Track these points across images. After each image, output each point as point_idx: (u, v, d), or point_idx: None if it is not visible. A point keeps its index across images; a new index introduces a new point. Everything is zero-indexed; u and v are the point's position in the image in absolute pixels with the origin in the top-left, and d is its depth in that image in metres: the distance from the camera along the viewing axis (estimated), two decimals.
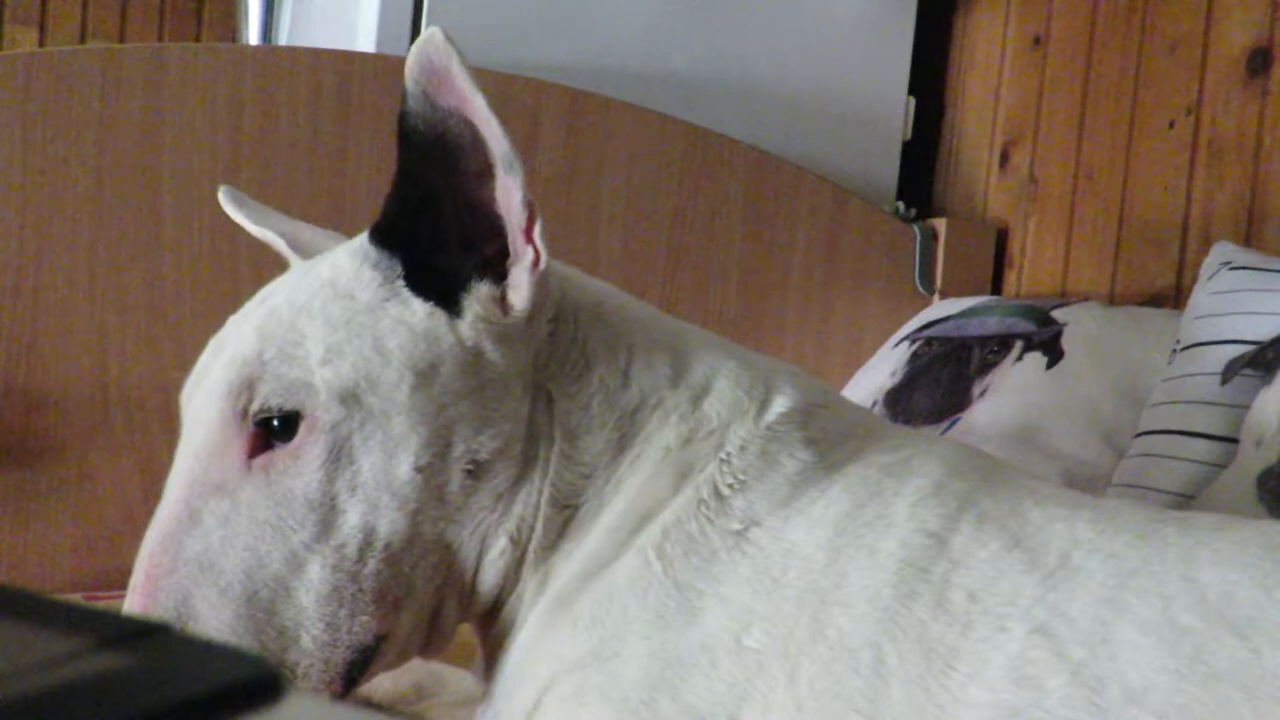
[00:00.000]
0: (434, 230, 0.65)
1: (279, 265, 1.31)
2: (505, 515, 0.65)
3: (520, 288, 0.64)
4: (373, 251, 0.66)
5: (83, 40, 2.38)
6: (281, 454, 0.62)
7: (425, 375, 0.63)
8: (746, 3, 1.63)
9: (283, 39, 2.00)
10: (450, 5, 1.46)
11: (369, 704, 0.89)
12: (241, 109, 1.29)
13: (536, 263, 0.64)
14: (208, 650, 0.25)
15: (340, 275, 0.66)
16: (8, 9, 2.34)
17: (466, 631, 1.05)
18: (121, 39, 2.40)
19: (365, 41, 1.45)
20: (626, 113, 1.47)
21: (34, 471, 1.21)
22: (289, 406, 0.62)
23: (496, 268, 0.65)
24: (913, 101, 1.77)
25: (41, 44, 2.36)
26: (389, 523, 0.62)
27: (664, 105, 1.50)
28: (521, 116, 1.41)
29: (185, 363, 1.26)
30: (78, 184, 1.23)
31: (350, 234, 1.32)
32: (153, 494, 1.24)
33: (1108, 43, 1.58)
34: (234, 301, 1.28)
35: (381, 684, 0.88)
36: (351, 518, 0.62)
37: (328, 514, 0.62)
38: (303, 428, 0.62)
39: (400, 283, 0.65)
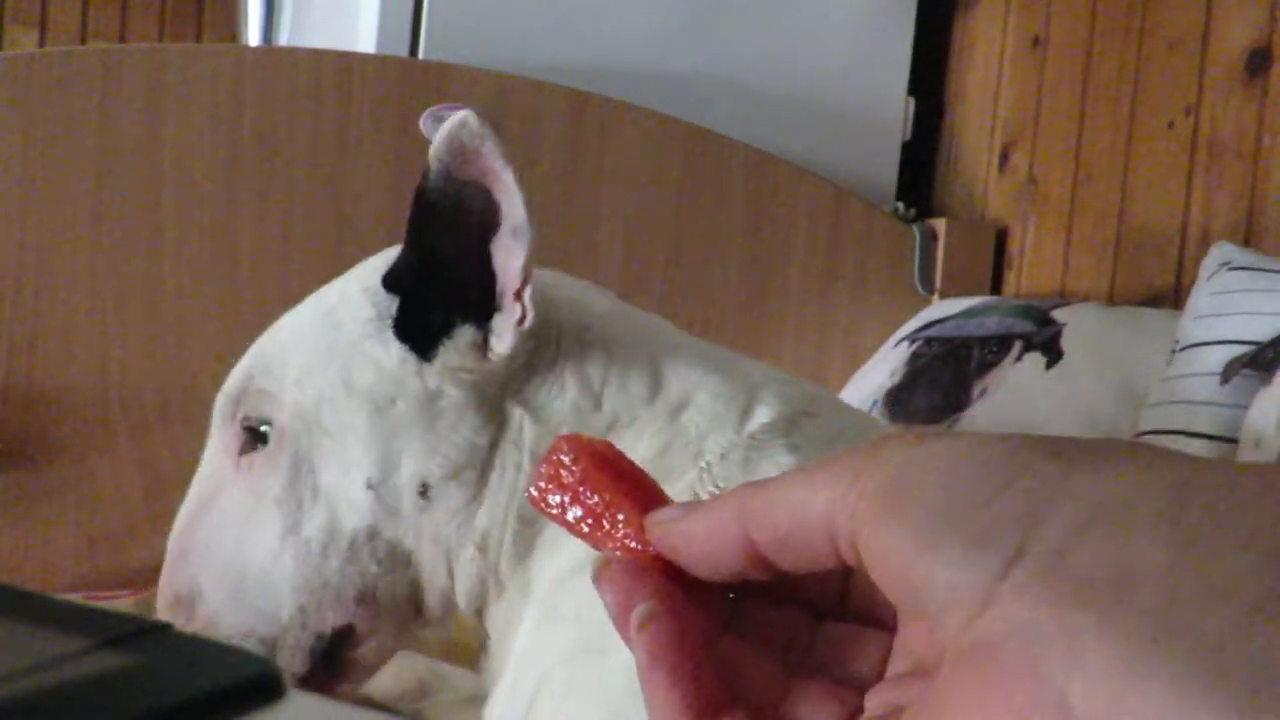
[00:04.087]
0: (431, 282, 0.70)
1: (280, 266, 1.31)
2: (467, 528, 0.68)
3: (504, 337, 0.68)
4: (379, 292, 0.71)
5: (83, 40, 2.38)
6: (261, 457, 0.70)
7: (381, 408, 0.68)
8: (746, 3, 1.63)
9: (283, 39, 2.00)
10: (450, 5, 1.46)
11: (370, 703, 0.90)
12: (241, 109, 1.29)
13: (522, 320, 0.68)
14: (208, 650, 0.26)
15: (343, 305, 0.72)
16: (8, 9, 2.34)
17: (469, 633, 1.05)
18: (121, 39, 2.40)
19: (365, 41, 1.45)
20: (626, 113, 1.47)
21: (34, 471, 1.21)
22: (263, 416, 0.70)
23: (479, 315, 0.69)
24: (912, 102, 1.77)
25: (41, 44, 2.36)
26: (350, 529, 0.68)
27: (664, 105, 1.50)
28: (521, 117, 1.41)
29: (185, 363, 1.26)
30: (78, 184, 1.23)
31: (349, 235, 1.33)
32: (153, 494, 1.25)
33: (1107, 43, 1.58)
34: (234, 301, 1.28)
35: (384, 681, 0.89)
36: (316, 519, 0.68)
37: (294, 513, 0.69)
38: (275, 436, 0.70)
39: (389, 322, 0.70)
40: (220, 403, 0.72)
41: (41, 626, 0.25)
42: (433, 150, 0.66)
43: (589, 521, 0.31)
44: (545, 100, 1.42)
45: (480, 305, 0.69)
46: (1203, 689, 0.20)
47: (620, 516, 0.31)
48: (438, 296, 0.69)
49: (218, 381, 1.29)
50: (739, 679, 0.29)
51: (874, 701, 0.28)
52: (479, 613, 0.71)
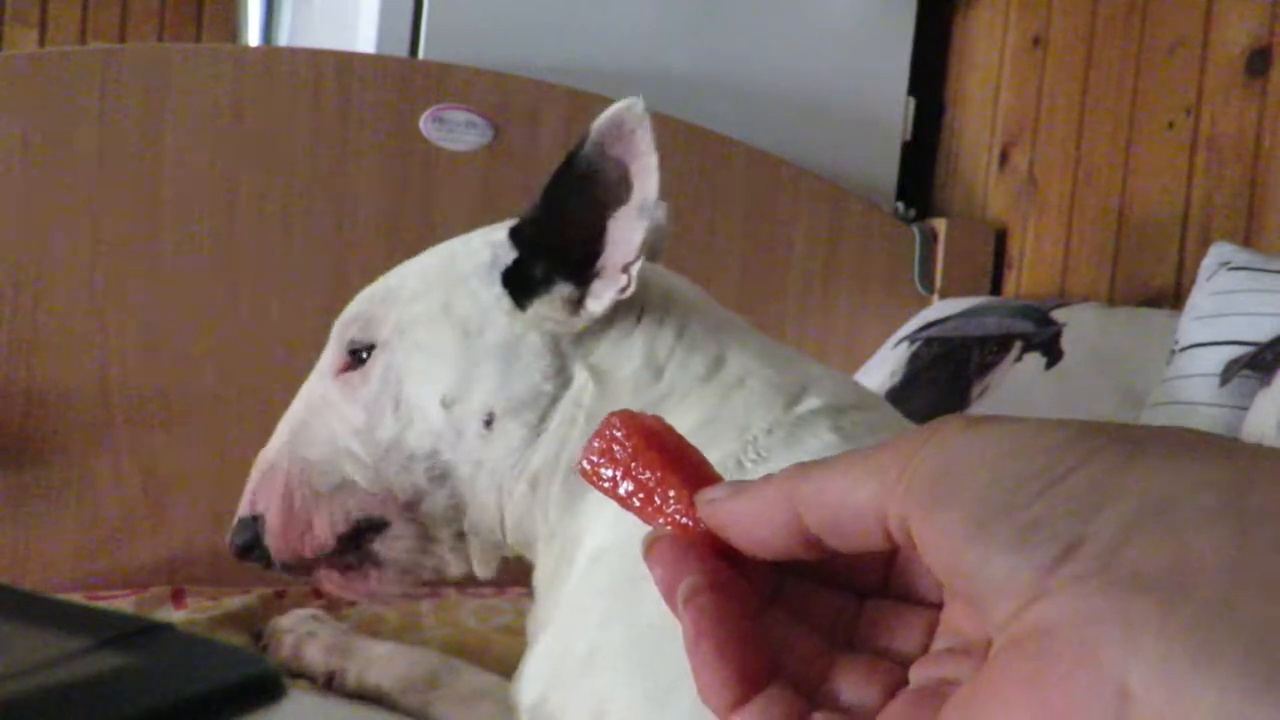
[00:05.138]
0: (548, 241, 0.77)
1: (280, 266, 1.31)
2: (521, 466, 0.75)
3: (602, 299, 0.75)
4: (502, 242, 0.79)
5: (83, 40, 2.38)
6: (357, 374, 0.79)
7: (470, 334, 0.76)
8: (746, 3, 1.63)
9: (283, 39, 2.00)
10: (450, 5, 1.46)
11: (379, 691, 0.91)
12: (241, 109, 1.29)
13: (625, 289, 0.75)
14: (208, 650, 0.26)
15: (463, 248, 0.80)
16: (8, 9, 2.34)
17: (477, 632, 1.06)
18: (121, 39, 2.39)
19: (365, 41, 1.45)
20: None
21: (34, 471, 1.21)
22: (367, 340, 0.79)
23: (579, 274, 0.76)
24: (913, 102, 1.77)
25: (41, 44, 2.36)
26: (417, 439, 0.76)
27: (664, 105, 1.50)
28: (521, 116, 1.41)
29: (185, 363, 1.26)
30: (78, 184, 1.23)
31: (349, 235, 1.33)
32: (153, 494, 1.25)
33: (1107, 43, 1.58)
34: (234, 302, 1.28)
35: (397, 667, 0.91)
36: (391, 427, 0.77)
37: (375, 417, 0.77)
38: (374, 354, 0.79)
39: (499, 270, 0.77)
40: (336, 325, 0.81)
41: (41, 626, 0.25)
42: (595, 124, 0.74)
43: (640, 496, 0.32)
44: (545, 100, 1.42)
45: (580, 268, 0.76)
46: (1265, 679, 0.20)
47: (671, 493, 0.31)
48: (548, 253, 0.76)
49: (218, 381, 1.30)
50: (783, 653, 0.29)
51: (917, 674, 0.28)
52: (533, 554, 0.78)
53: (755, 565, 0.30)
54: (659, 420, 0.33)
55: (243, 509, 0.80)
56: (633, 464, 0.32)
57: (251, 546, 0.79)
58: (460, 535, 0.79)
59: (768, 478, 0.29)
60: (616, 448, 0.32)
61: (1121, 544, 0.23)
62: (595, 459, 0.32)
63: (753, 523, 0.29)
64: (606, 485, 0.32)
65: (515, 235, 0.78)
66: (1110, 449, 0.24)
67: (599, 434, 0.33)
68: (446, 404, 0.76)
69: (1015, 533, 0.24)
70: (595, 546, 0.70)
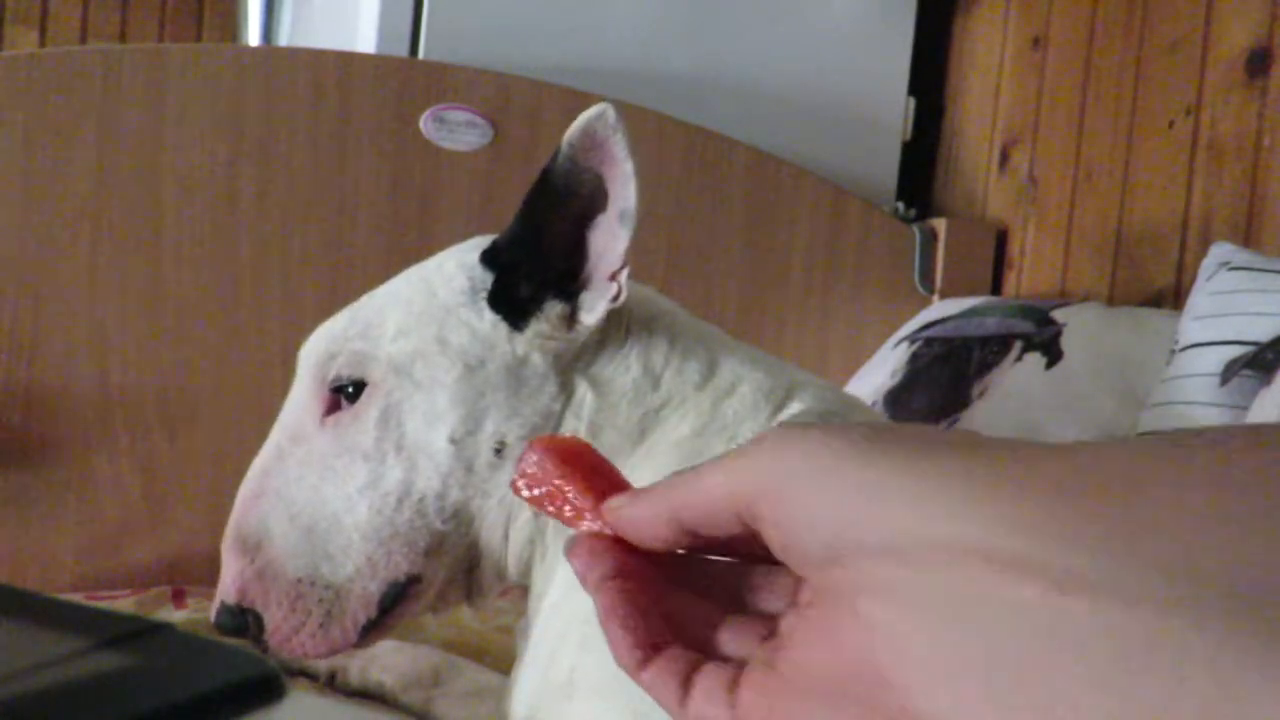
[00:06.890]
0: (528, 257, 0.75)
1: (280, 266, 1.31)
2: None
3: (595, 312, 0.74)
4: (476, 266, 0.76)
5: (83, 40, 2.38)
6: (347, 414, 0.74)
7: (472, 367, 0.74)
8: (746, 3, 1.64)
9: (283, 39, 2.00)
10: (450, 5, 1.46)
11: (382, 688, 0.91)
12: (241, 109, 1.29)
13: (616, 297, 0.74)
14: (208, 650, 0.26)
15: (438, 276, 0.77)
16: (8, 9, 2.34)
17: (477, 632, 1.06)
18: (122, 39, 2.40)
19: (365, 41, 1.45)
20: (626, 113, 1.47)
21: (34, 472, 1.22)
22: (355, 376, 0.74)
23: (565, 288, 0.75)
24: (913, 102, 1.77)
25: (41, 44, 2.36)
26: (425, 481, 0.73)
27: (664, 105, 1.51)
28: (521, 116, 1.41)
29: (185, 363, 1.26)
30: (78, 184, 1.23)
31: (349, 235, 1.33)
32: (153, 494, 1.25)
33: (1107, 43, 1.58)
34: (234, 302, 1.28)
35: (400, 663, 0.91)
36: (395, 472, 0.73)
37: (376, 467, 0.73)
38: (365, 393, 0.74)
39: (483, 294, 0.75)
40: (311, 362, 0.76)
41: (41, 626, 0.25)
42: (566, 136, 0.72)
43: (558, 507, 0.38)
44: (545, 100, 1.42)
45: (563, 282, 0.75)
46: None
47: (587, 503, 0.38)
48: (531, 271, 0.75)
49: (218, 381, 1.30)
50: (681, 620, 0.36)
51: (782, 626, 0.35)
52: (525, 578, 0.76)
53: (659, 553, 0.37)
54: (577, 440, 0.40)
55: (226, 593, 0.72)
56: (555, 481, 0.38)
57: (240, 632, 0.73)
58: (470, 571, 0.76)
59: (653, 486, 0.36)
60: (538, 469, 0.38)
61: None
62: (524, 479, 0.39)
63: (643, 524, 0.36)
64: (533, 499, 0.39)
65: (489, 257, 0.76)
66: (895, 447, 0.31)
67: (524, 458, 0.39)
68: (455, 439, 0.73)
69: (825, 514, 0.31)
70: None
